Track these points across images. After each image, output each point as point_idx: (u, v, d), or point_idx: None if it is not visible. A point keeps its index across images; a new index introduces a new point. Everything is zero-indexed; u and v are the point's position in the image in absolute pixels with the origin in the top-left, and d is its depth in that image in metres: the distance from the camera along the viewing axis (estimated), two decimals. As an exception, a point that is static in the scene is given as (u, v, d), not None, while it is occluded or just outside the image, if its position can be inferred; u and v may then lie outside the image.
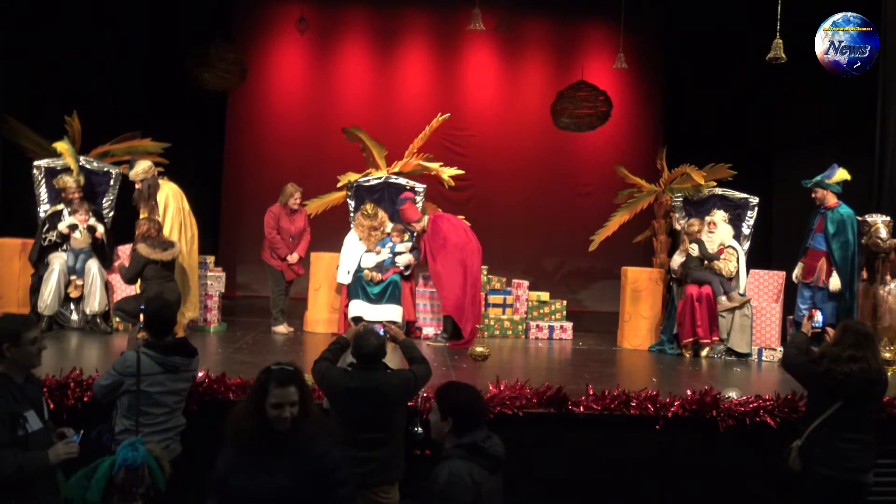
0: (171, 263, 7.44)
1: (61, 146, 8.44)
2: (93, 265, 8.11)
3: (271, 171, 11.87)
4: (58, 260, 8.04)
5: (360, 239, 8.68)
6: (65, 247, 8.20)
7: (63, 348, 7.26)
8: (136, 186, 8.24)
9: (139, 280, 7.38)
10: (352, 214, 9.05)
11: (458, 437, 3.69)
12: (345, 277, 8.57)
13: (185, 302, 7.99)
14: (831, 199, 8.03)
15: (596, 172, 12.58)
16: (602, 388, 5.86)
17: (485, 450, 3.66)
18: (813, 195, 8.11)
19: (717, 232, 8.52)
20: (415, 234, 8.74)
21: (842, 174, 8.06)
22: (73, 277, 8.13)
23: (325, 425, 3.73)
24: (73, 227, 8.16)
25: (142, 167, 8.14)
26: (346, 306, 8.51)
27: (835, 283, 7.89)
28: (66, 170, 8.45)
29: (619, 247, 10.98)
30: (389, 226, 8.77)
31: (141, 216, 7.93)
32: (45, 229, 8.17)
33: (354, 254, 8.62)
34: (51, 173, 8.51)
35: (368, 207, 8.75)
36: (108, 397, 4.69)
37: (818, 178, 8.07)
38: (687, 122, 11.87)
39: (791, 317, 8.45)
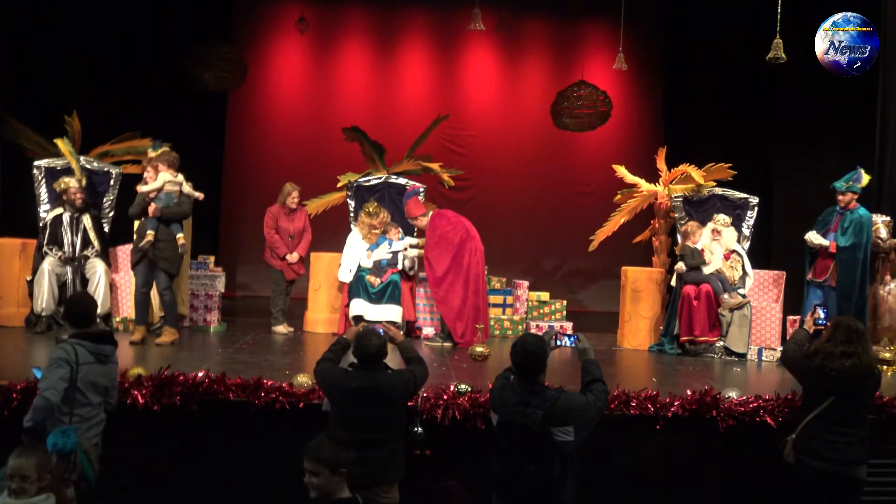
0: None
1: (62, 144, 8.36)
2: (98, 266, 8.02)
3: (271, 171, 11.87)
4: (48, 261, 7.97)
5: (363, 237, 8.67)
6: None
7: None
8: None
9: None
10: (352, 214, 9.05)
11: None
12: (346, 276, 8.56)
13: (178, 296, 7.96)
14: (854, 203, 7.96)
15: (596, 172, 12.57)
16: (602, 388, 5.84)
17: None
18: (840, 197, 7.95)
19: (722, 237, 8.52)
20: (415, 230, 8.74)
21: (867, 178, 8.02)
22: None
23: None
24: None
25: (165, 147, 8.02)
26: (347, 305, 8.50)
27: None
28: (66, 171, 8.40)
29: (619, 247, 10.98)
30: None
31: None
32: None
33: (356, 252, 8.62)
34: (51, 173, 8.47)
35: (371, 207, 8.75)
36: (46, 420, 4.30)
37: (851, 184, 7.93)
38: (687, 122, 11.87)
39: (794, 317, 8.42)
